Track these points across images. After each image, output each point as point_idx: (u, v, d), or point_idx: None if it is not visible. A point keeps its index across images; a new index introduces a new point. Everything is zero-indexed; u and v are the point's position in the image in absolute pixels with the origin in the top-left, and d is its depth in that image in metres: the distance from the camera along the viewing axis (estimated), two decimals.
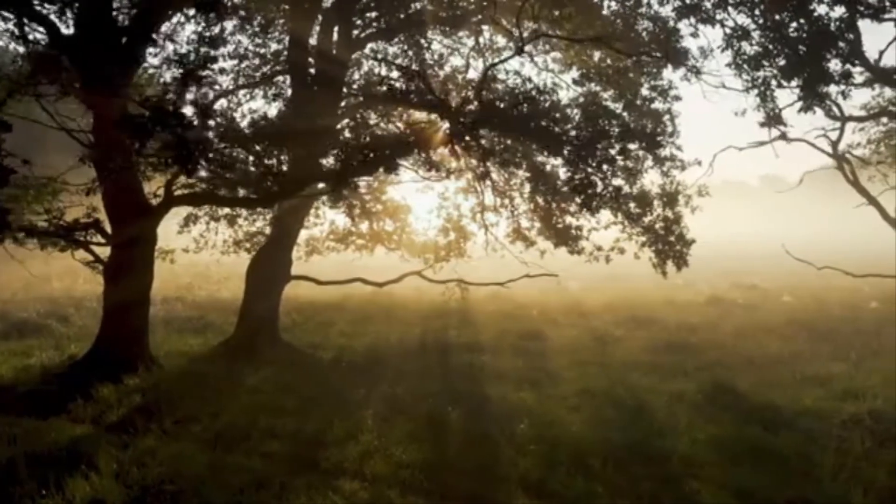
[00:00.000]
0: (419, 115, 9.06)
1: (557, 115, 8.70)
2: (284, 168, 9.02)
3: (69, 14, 8.46)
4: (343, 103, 13.16)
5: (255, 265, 12.51)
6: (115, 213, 10.36)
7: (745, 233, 68.66)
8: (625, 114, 13.29)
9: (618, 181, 10.47)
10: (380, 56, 15.77)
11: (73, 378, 9.70)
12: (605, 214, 12.89)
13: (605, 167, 9.44)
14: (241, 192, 9.86)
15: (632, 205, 12.66)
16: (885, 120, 17.40)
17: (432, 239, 16.44)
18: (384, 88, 8.68)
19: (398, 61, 16.23)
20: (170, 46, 15.15)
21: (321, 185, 13.82)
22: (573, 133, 8.78)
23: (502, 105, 8.41)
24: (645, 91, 14.13)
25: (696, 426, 7.90)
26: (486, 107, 8.40)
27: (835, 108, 13.98)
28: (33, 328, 14.00)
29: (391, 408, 8.50)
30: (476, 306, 17.80)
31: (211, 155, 9.09)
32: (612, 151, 9.35)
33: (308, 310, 17.44)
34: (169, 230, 16.35)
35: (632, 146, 10.28)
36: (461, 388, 9.61)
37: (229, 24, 15.26)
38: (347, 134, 10.95)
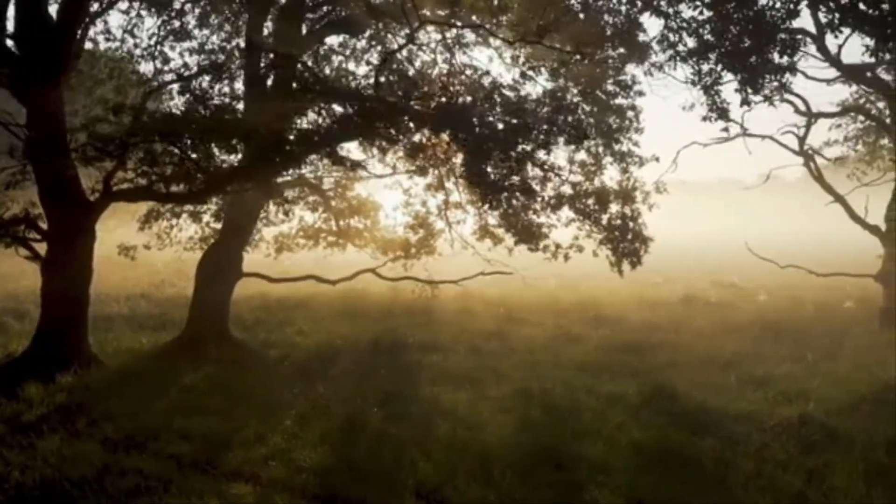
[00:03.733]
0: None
1: (461, 107, 8.45)
2: (212, 164, 8.86)
3: None
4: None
5: (205, 262, 12.36)
6: (52, 208, 10.21)
7: (738, 230, 68.10)
8: (585, 107, 13.13)
9: (528, 176, 10.18)
10: (347, 52, 15.72)
11: (5, 376, 9.57)
12: (566, 212, 12.76)
13: (521, 162, 9.20)
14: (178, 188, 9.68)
15: (589, 201, 12.44)
16: (861, 118, 17.12)
17: (398, 236, 16.26)
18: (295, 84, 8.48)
19: (366, 56, 16.28)
20: (130, 40, 15.21)
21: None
22: (476, 126, 8.54)
23: (405, 97, 8.21)
24: (609, 86, 13.90)
25: (623, 429, 7.69)
26: (383, 98, 8.19)
27: (800, 104, 13.70)
28: None
29: (315, 408, 8.33)
30: (445, 305, 17.62)
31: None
32: (530, 146, 9.11)
33: (274, 307, 17.31)
34: (133, 226, 16.35)
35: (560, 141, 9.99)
36: (397, 388, 9.40)
37: (191, 19, 15.26)
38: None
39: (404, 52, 16.22)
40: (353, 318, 16.13)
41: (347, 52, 15.61)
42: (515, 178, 9.81)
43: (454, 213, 15.16)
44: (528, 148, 9.18)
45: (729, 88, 10.20)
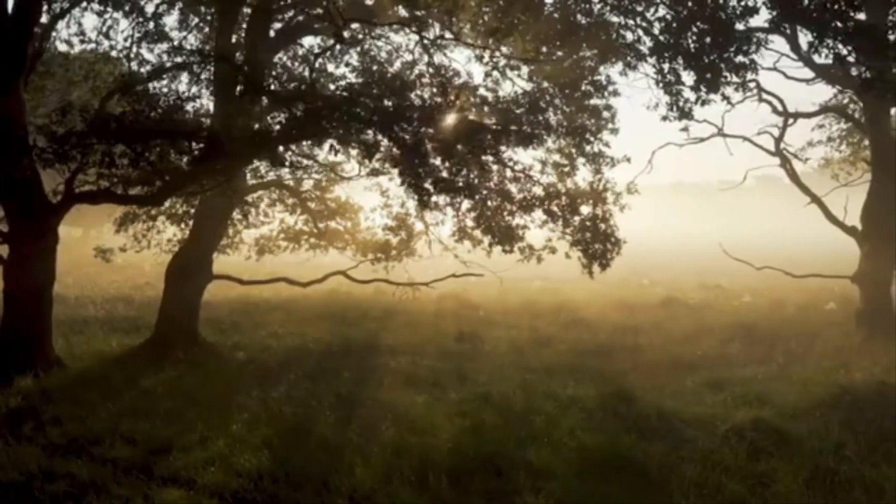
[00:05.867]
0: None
1: (403, 108, 8.36)
2: (167, 166, 8.79)
3: None
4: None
5: (174, 264, 12.30)
6: (13, 211, 10.17)
7: (735, 231, 67.88)
8: (563, 108, 13.04)
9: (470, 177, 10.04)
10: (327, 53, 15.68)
11: None
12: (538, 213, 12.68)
13: (466, 163, 9.13)
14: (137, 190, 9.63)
15: (562, 201, 12.33)
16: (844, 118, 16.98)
17: (378, 238, 16.19)
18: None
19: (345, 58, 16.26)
20: (105, 42, 15.19)
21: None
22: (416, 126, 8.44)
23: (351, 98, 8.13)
24: (584, 86, 13.80)
25: (574, 434, 7.59)
26: (321, 98, 8.12)
27: (777, 104, 13.57)
28: None
29: (267, 412, 8.25)
30: (426, 307, 17.53)
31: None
32: (475, 146, 9.02)
33: (252, 309, 17.24)
34: (109, 228, 16.30)
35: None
36: (354, 391, 9.34)
37: (165, 21, 15.25)
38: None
39: (384, 54, 16.34)
40: (329, 320, 16.07)
41: (327, 54, 15.61)
42: (463, 179, 9.71)
43: (432, 214, 15.11)
44: (474, 148, 9.08)
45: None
